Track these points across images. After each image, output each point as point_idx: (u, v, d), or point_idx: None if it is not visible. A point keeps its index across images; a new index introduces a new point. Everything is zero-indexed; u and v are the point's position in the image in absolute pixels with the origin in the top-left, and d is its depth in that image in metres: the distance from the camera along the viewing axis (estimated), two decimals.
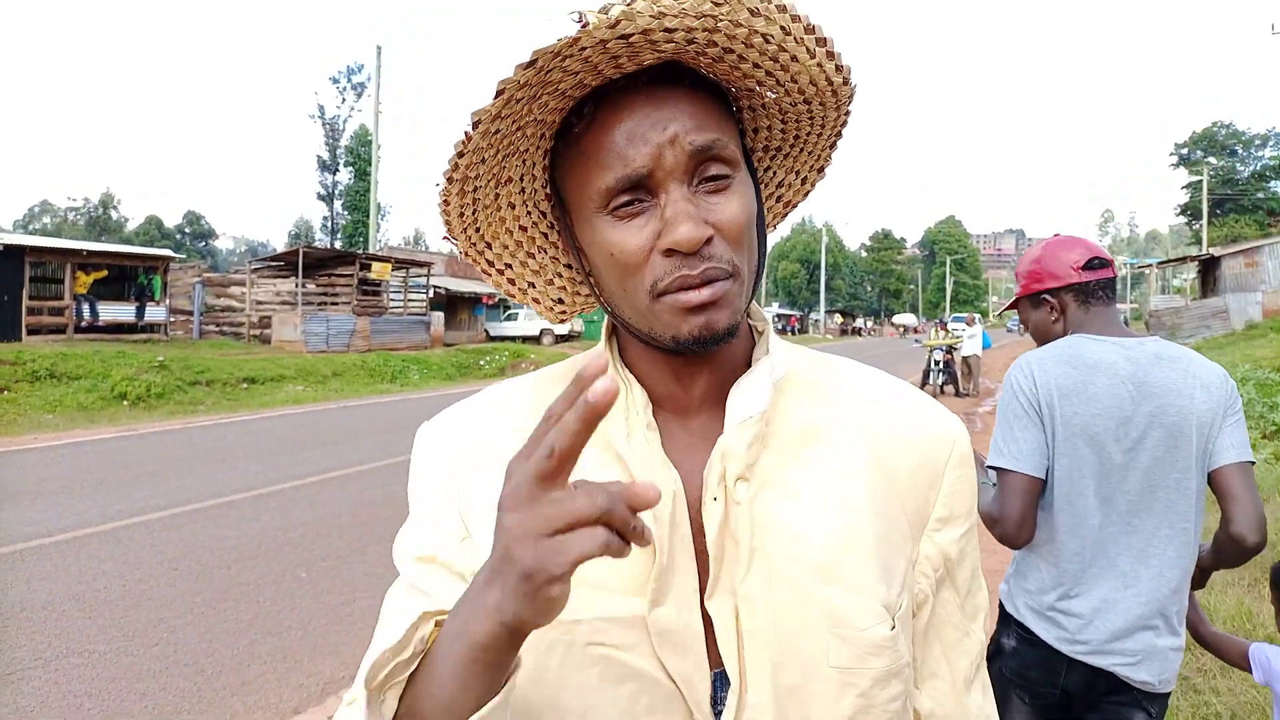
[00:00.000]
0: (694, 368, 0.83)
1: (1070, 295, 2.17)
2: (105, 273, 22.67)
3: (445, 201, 0.79)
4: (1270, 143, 58.86)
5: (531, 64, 0.68)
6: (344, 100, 53.97)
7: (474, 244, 0.87)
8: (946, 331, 19.61)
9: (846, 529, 0.80)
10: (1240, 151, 59.85)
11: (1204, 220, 50.77)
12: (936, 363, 18.35)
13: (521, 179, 0.84)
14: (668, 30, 0.71)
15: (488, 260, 0.90)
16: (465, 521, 0.82)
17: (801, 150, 0.91)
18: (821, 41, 0.76)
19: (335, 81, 55.15)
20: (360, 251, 29.83)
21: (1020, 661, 2.15)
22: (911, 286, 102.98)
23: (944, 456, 0.86)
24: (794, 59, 0.77)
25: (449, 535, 0.82)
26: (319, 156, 54.50)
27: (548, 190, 0.86)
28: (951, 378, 18.27)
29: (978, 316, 22.13)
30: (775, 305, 76.49)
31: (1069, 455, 2.02)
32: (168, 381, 15.81)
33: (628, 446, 0.80)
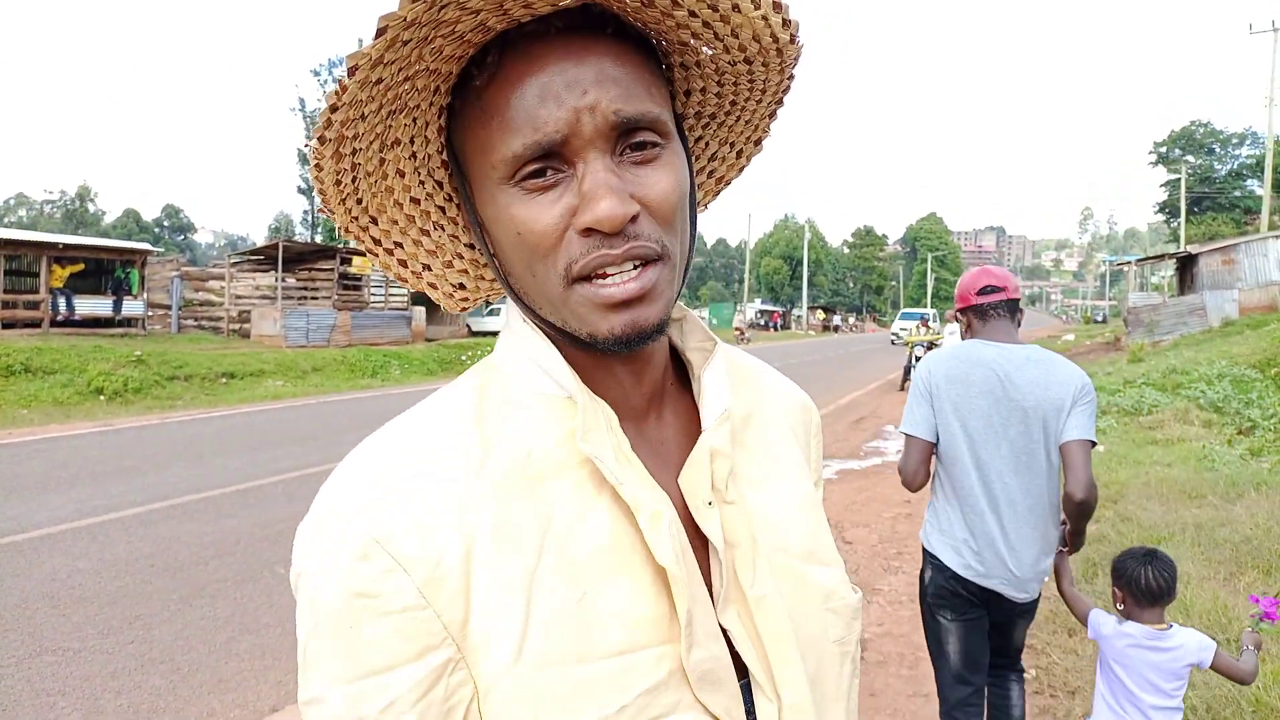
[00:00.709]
0: (637, 366, 0.74)
1: (973, 313, 2.89)
2: (82, 266, 22.41)
3: (318, 166, 0.66)
4: (1247, 141, 59.54)
5: None
6: (325, 93, 53.58)
7: (355, 218, 0.74)
8: (928, 328, 19.74)
9: (806, 505, 0.81)
10: (1218, 150, 60.50)
11: (1182, 218, 51.22)
12: (918, 358, 18.48)
13: (412, 141, 0.71)
14: None
15: (373, 238, 0.77)
16: (453, 632, 0.62)
17: (738, 119, 0.81)
18: None
19: (316, 74, 54.81)
20: (341, 245, 29.65)
21: (936, 586, 2.85)
22: (894, 283, 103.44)
23: (810, 426, 0.92)
24: (735, 8, 0.65)
25: (428, 665, 0.62)
26: (299, 150, 54.13)
27: (444, 155, 0.74)
28: None
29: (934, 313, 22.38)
30: (758, 301, 76.64)
31: (948, 427, 2.76)
32: (145, 376, 15.65)
33: (618, 469, 0.67)
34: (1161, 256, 38.43)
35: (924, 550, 2.93)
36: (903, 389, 18.60)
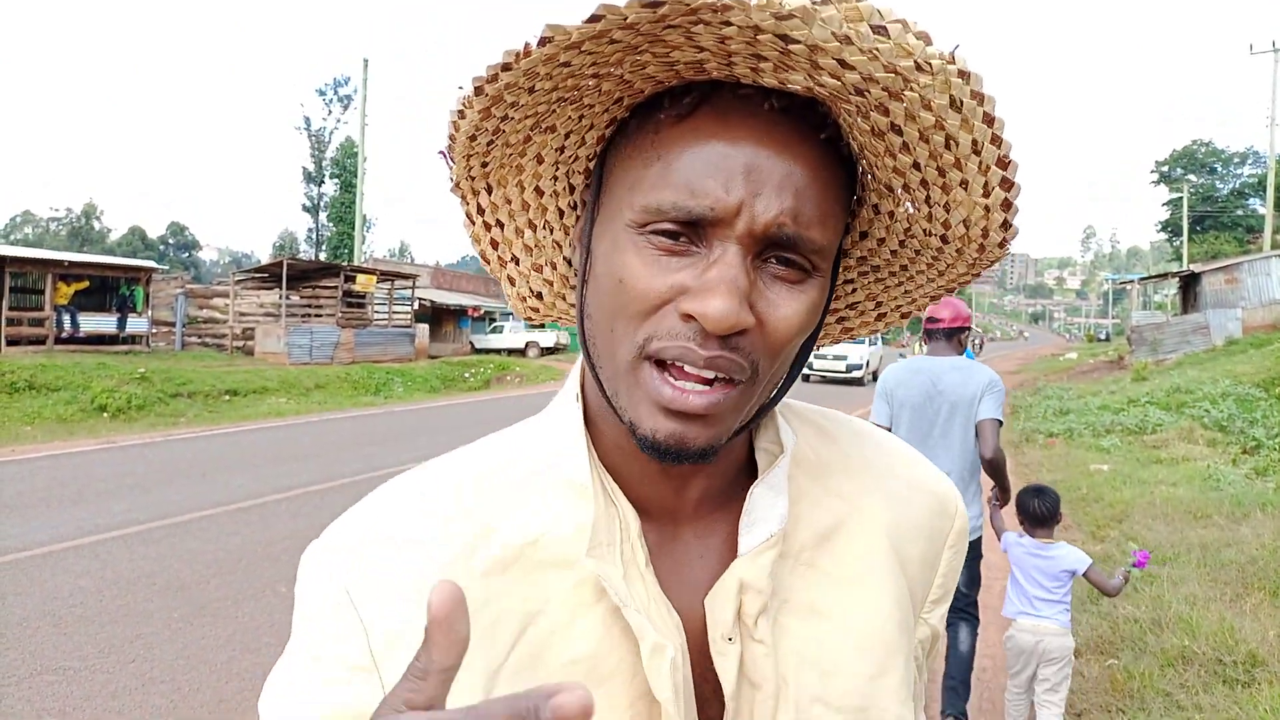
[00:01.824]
0: (686, 469, 0.66)
1: (926, 335, 4.03)
2: (87, 283, 22.47)
3: (461, 113, 0.60)
4: (1249, 161, 59.59)
5: (656, 5, 0.50)
6: (330, 112, 53.98)
7: (472, 178, 0.68)
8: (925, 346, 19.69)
9: (876, 651, 0.68)
10: (1219, 169, 60.53)
11: (1184, 236, 51.31)
12: None
13: (567, 135, 0.65)
14: (842, 63, 0.52)
15: (479, 206, 0.71)
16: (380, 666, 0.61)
17: (899, 284, 0.73)
18: (1006, 185, 0.58)
19: (321, 94, 55.27)
20: (345, 263, 29.73)
21: None
22: None
23: (945, 534, 0.78)
24: (964, 184, 0.58)
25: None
26: (304, 168, 54.47)
27: (592, 164, 0.68)
28: None
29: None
30: None
31: (898, 414, 3.88)
32: (149, 393, 15.67)
33: (624, 589, 0.62)
34: (1165, 275, 38.43)
35: None
36: None
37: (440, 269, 46.70)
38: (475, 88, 0.58)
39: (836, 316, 0.79)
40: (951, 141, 0.56)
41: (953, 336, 3.95)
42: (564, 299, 0.78)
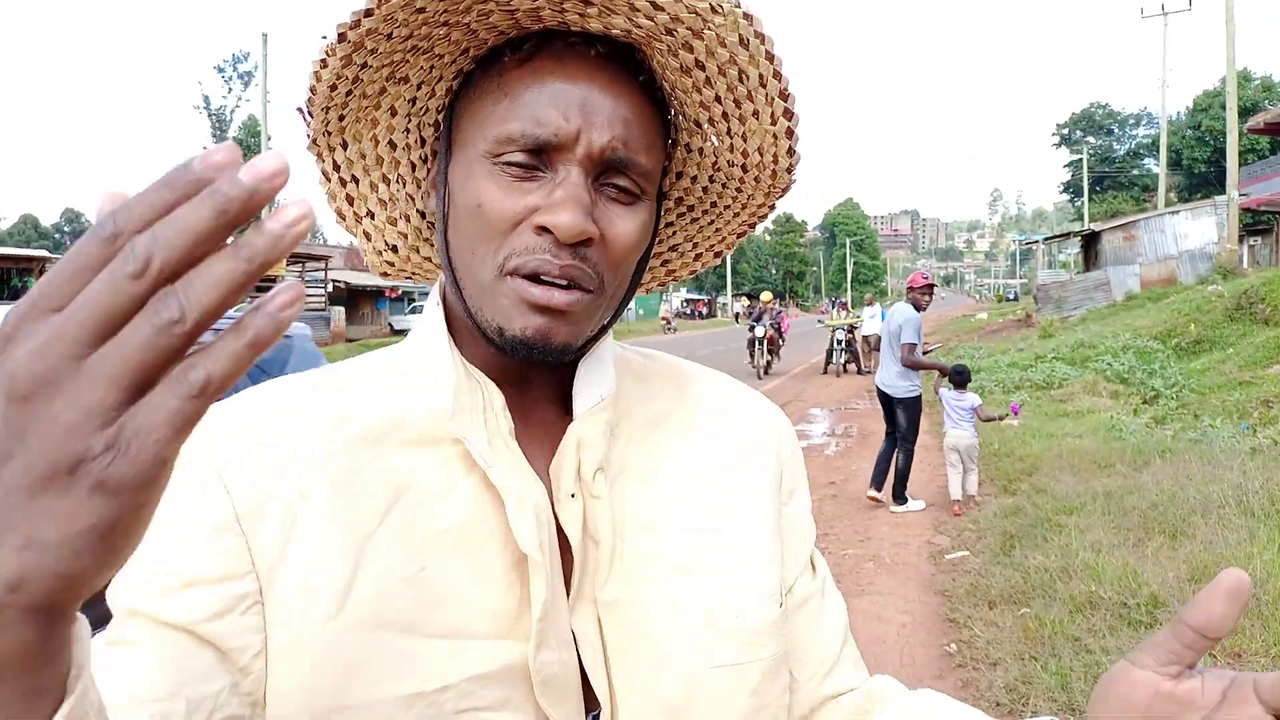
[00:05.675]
0: (537, 367, 0.73)
1: (909, 292, 7.51)
2: None
3: (324, 61, 0.65)
4: (1143, 122, 62.06)
5: None
6: (230, 90, 52.07)
7: (329, 133, 0.73)
8: (848, 311, 20.06)
9: (708, 512, 0.76)
10: (1116, 131, 62.96)
11: (1085, 197, 53.19)
12: (839, 342, 18.72)
13: (419, 86, 0.72)
14: (654, 5, 0.63)
15: (335, 162, 0.76)
16: (261, 570, 0.62)
17: (711, 222, 0.84)
18: (788, 114, 0.70)
19: (220, 71, 53.10)
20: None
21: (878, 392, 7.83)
22: (814, 268, 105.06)
23: (784, 447, 0.86)
24: (755, 114, 0.70)
25: (224, 594, 0.61)
26: (205, 149, 52.49)
27: (441, 116, 0.75)
28: (854, 356, 18.68)
29: (874, 296, 22.86)
30: (683, 290, 77.07)
31: (885, 335, 7.57)
32: None
33: (489, 453, 0.67)
34: (1067, 235, 39.80)
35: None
36: (825, 372, 18.85)
37: (354, 249, 45.55)
38: (339, 34, 0.63)
39: (660, 260, 0.88)
40: (743, 75, 0.68)
41: (923, 294, 7.30)
42: (418, 252, 0.83)
